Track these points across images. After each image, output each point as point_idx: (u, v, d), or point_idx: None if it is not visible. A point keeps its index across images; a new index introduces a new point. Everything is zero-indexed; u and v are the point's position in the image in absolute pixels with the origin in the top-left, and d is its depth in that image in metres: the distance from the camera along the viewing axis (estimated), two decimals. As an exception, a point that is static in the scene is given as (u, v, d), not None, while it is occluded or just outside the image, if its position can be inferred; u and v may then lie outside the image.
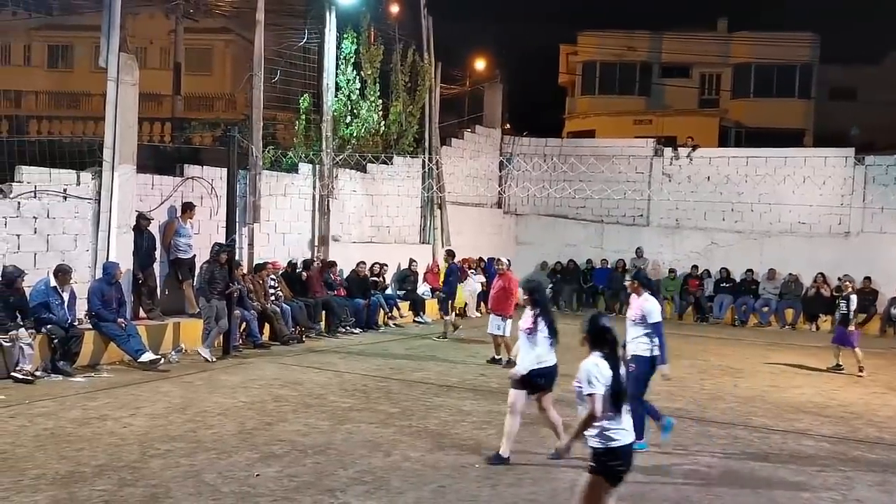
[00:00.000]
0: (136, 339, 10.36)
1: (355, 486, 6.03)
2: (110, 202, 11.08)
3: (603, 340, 4.49)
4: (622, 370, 4.55)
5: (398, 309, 15.88)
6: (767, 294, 18.46)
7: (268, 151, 14.89)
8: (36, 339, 9.39)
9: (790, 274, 18.50)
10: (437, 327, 14.35)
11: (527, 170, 21.32)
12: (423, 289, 17.22)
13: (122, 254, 11.12)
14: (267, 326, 12.76)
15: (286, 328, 12.83)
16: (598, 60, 32.80)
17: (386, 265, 16.10)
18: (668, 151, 21.10)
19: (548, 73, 36.74)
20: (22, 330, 9.20)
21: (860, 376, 11.94)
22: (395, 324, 15.51)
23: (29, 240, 10.33)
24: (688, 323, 18.58)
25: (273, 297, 13.05)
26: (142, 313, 11.64)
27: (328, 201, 15.30)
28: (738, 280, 18.85)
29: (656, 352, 7.25)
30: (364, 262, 15.29)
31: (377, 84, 17.28)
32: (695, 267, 19.32)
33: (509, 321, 11.30)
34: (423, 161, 18.08)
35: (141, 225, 11.50)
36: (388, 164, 17.18)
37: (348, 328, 14.27)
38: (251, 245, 13.56)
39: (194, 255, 12.38)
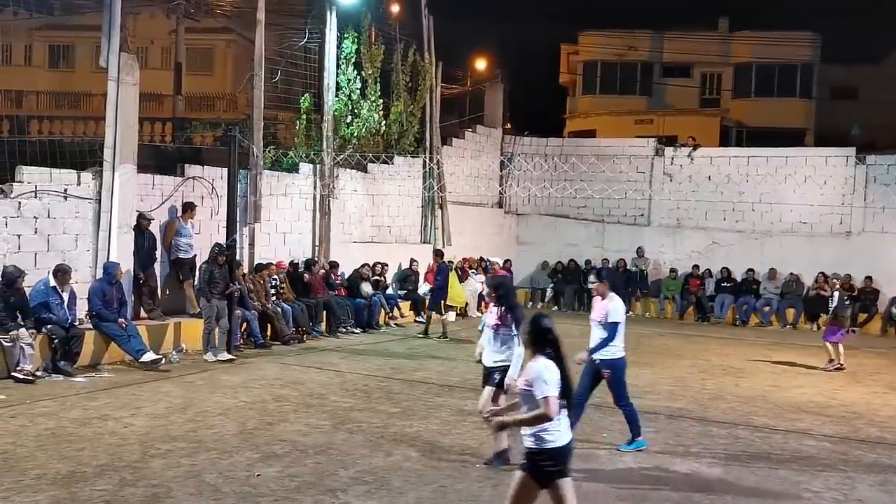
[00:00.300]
0: (136, 339, 10.36)
1: (356, 486, 6.02)
2: (111, 202, 11.08)
3: (546, 341, 4.41)
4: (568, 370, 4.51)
5: (399, 309, 15.88)
6: (769, 294, 18.44)
7: (268, 151, 14.89)
8: (36, 339, 9.39)
9: (791, 273, 18.49)
10: (437, 327, 14.34)
11: (528, 169, 21.32)
12: (424, 289, 17.20)
13: (123, 254, 11.12)
14: (268, 326, 12.75)
15: (287, 328, 12.83)
16: (599, 60, 32.77)
17: (387, 265, 16.10)
18: (669, 150, 21.09)
19: (549, 73, 36.74)
20: (22, 330, 9.20)
21: (827, 369, 12.13)
22: (395, 324, 15.51)
23: (30, 240, 10.33)
24: (689, 322, 18.58)
25: (274, 297, 13.06)
26: (142, 313, 11.64)
27: (329, 201, 15.30)
28: (739, 280, 18.84)
29: (621, 353, 7.18)
30: (368, 264, 15.31)
31: (378, 84, 17.27)
32: (696, 266, 19.31)
33: None
34: (424, 161, 18.08)
35: (141, 225, 11.50)
36: (388, 164, 17.18)
37: (349, 328, 14.27)
38: (252, 245, 13.55)
39: (195, 255, 12.38)
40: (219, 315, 11.20)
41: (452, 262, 17.03)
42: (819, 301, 17.63)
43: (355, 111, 16.76)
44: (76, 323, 10.03)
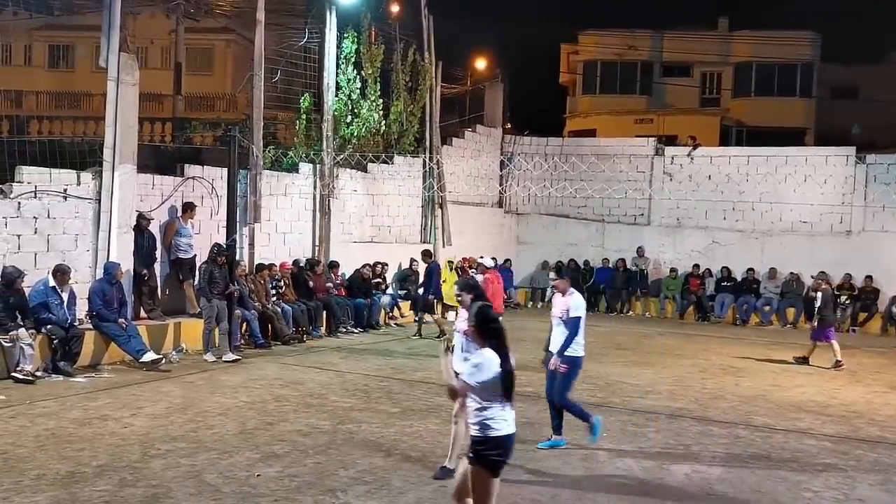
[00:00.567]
0: (137, 339, 10.36)
1: (356, 485, 6.02)
2: (111, 202, 11.08)
3: (491, 332, 4.46)
4: (512, 361, 4.50)
5: (399, 309, 15.88)
6: (769, 293, 18.44)
7: (268, 151, 14.89)
8: (36, 340, 9.38)
9: (791, 273, 18.48)
10: (433, 328, 14.34)
11: (528, 169, 21.32)
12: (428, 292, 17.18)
13: (123, 254, 11.12)
14: (268, 327, 12.75)
15: (287, 328, 12.83)
16: (599, 60, 32.79)
17: (387, 265, 16.09)
18: (669, 150, 21.10)
19: (549, 73, 36.76)
20: (22, 330, 9.20)
21: (796, 362, 12.50)
22: (395, 324, 15.52)
23: (29, 240, 10.33)
24: (689, 322, 18.58)
25: (274, 298, 13.06)
26: (142, 313, 11.64)
27: (329, 201, 15.30)
28: (739, 279, 18.84)
29: (581, 352, 7.16)
30: (368, 265, 15.31)
31: (378, 83, 17.27)
32: (696, 266, 19.30)
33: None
34: (424, 160, 18.07)
35: (141, 225, 11.50)
36: (388, 164, 17.18)
37: (349, 328, 14.27)
38: (252, 245, 13.55)
39: (195, 255, 12.37)
40: (219, 315, 11.20)
41: (452, 262, 17.05)
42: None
43: (355, 111, 16.76)
44: (76, 323, 10.03)
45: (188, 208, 12.36)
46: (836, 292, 17.81)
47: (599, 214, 21.28)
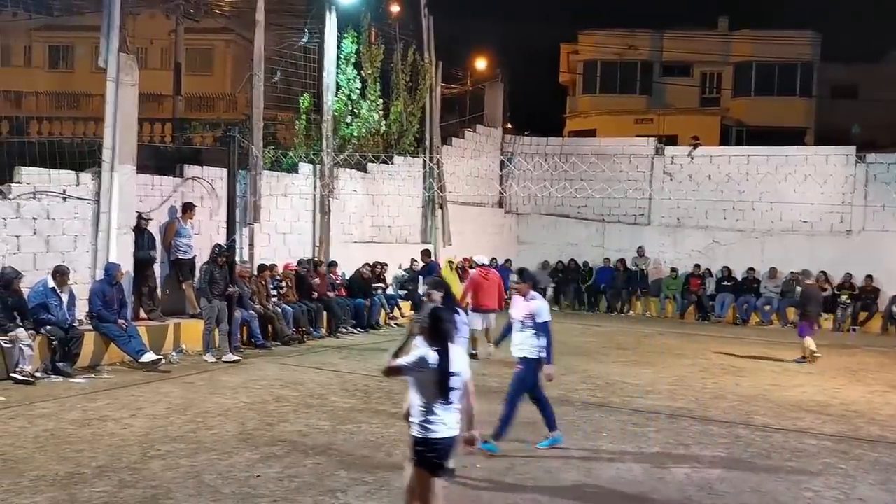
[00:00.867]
0: (136, 340, 10.35)
1: (356, 486, 6.01)
2: (110, 203, 11.07)
3: (438, 334, 4.52)
4: (462, 364, 4.55)
5: (399, 309, 15.87)
6: (769, 293, 18.42)
7: (268, 151, 14.88)
8: (35, 340, 9.38)
9: (792, 272, 18.43)
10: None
11: (528, 169, 21.31)
12: (424, 288, 17.19)
13: (123, 254, 11.11)
14: (268, 327, 12.74)
15: (287, 329, 12.82)
16: (599, 59, 32.76)
17: (386, 265, 16.07)
18: (669, 149, 21.07)
19: (549, 73, 36.75)
20: (21, 330, 9.19)
21: (812, 359, 12.59)
22: (396, 324, 15.50)
23: (29, 241, 10.32)
24: (689, 322, 18.57)
25: (274, 298, 13.05)
26: (142, 314, 11.63)
27: (329, 201, 15.29)
28: (739, 279, 18.83)
29: (543, 353, 7.11)
30: (368, 265, 15.30)
31: (378, 84, 17.26)
32: (697, 266, 19.28)
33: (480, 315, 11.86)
34: (424, 161, 18.06)
35: (140, 225, 11.50)
36: (388, 164, 17.17)
37: (349, 328, 14.27)
38: (252, 245, 13.54)
39: (195, 256, 12.36)
40: (219, 316, 11.19)
41: (453, 262, 17.01)
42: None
43: (355, 111, 16.74)
44: (75, 324, 10.02)
45: (187, 208, 12.35)
46: (836, 292, 17.87)
47: (600, 214, 21.26)
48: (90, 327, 10.29)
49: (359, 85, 16.77)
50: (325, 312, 13.93)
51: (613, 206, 20.90)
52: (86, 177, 11.02)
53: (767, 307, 18.29)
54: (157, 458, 6.51)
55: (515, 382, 7.18)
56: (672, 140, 23.48)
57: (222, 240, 12.40)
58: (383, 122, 17.43)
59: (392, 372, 4.68)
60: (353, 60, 16.65)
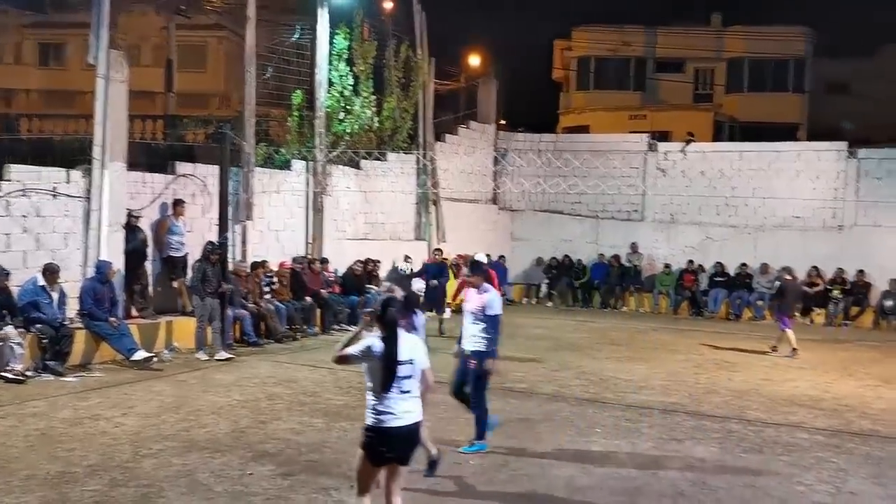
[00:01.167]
0: (128, 338, 10.30)
1: (350, 483, 5.98)
2: (101, 200, 11.01)
3: (385, 323, 4.59)
4: (416, 353, 4.61)
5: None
6: (761, 288, 18.48)
7: (261, 148, 14.81)
8: (26, 339, 9.33)
9: (784, 268, 18.49)
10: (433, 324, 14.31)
11: (521, 165, 21.29)
12: (417, 285, 17.13)
13: (113, 252, 11.05)
14: (261, 325, 12.70)
15: (280, 326, 12.78)
16: (592, 56, 32.80)
17: (379, 262, 16.02)
18: (663, 146, 21.06)
19: (542, 69, 36.77)
20: (10, 328, 9.14)
21: (770, 352, 13.03)
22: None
23: (19, 238, 10.25)
24: (683, 317, 18.61)
25: (268, 295, 13.01)
26: (134, 312, 11.57)
27: (322, 198, 15.24)
28: (732, 274, 18.87)
29: (494, 347, 6.96)
30: (360, 261, 15.26)
31: (370, 80, 17.19)
32: (690, 262, 19.31)
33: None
34: (418, 157, 18.02)
35: (130, 223, 11.44)
36: (381, 161, 17.12)
37: (343, 325, 14.22)
38: (244, 243, 13.50)
39: (187, 254, 12.31)
40: (212, 314, 11.15)
41: (448, 260, 17.00)
42: (812, 295, 17.72)
43: (348, 108, 16.69)
44: (66, 322, 9.96)
45: (178, 204, 12.28)
46: (828, 287, 17.93)
47: (593, 211, 21.25)
48: (81, 325, 10.23)
49: (351, 81, 16.71)
50: (318, 310, 13.89)
51: (607, 202, 20.91)
52: (76, 174, 10.95)
53: (760, 302, 18.34)
54: (149, 457, 6.48)
55: (472, 380, 6.99)
56: (665, 136, 23.48)
57: (214, 237, 12.33)
58: (376, 119, 17.38)
59: (341, 360, 4.79)
60: (345, 57, 16.59)
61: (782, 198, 19.15)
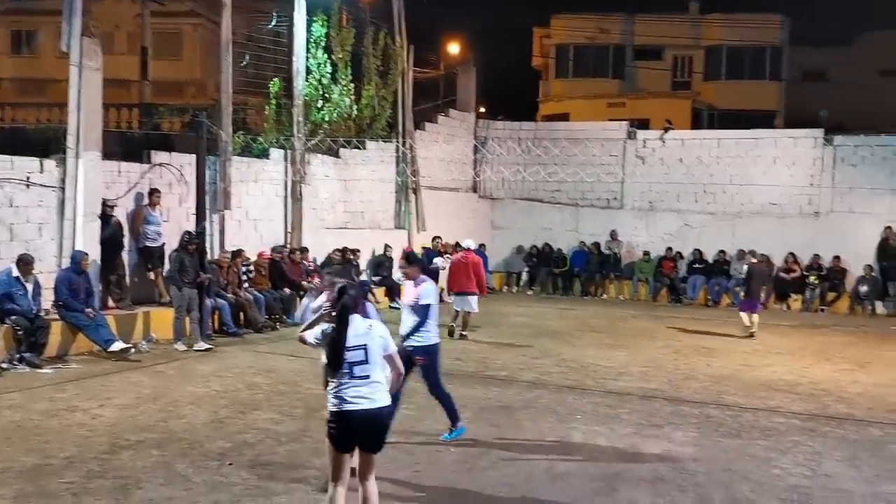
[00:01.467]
0: (105, 329, 10.19)
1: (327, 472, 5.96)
2: (75, 190, 10.84)
3: (338, 308, 4.62)
4: (371, 338, 4.63)
5: (373, 294, 15.77)
6: (739, 274, 18.65)
7: (238, 137, 14.66)
8: (0, 330, 9.19)
9: (761, 254, 18.68)
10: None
11: (501, 154, 21.30)
12: (397, 274, 17.11)
13: (89, 242, 10.90)
14: (240, 315, 12.62)
15: (260, 316, 12.71)
16: (571, 43, 32.80)
17: (359, 251, 15.96)
18: (641, 133, 21.15)
19: (522, 57, 36.72)
20: (-16, 321, 9.00)
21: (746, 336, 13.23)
22: (370, 309, 15.43)
23: (-9, 229, 10.09)
24: (662, 304, 18.75)
25: (246, 285, 12.91)
26: (110, 303, 11.44)
27: (300, 187, 15.13)
28: (710, 261, 19.03)
29: (436, 339, 6.87)
30: (338, 249, 15.16)
31: (349, 68, 17.06)
32: (669, 249, 19.45)
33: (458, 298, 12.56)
34: (397, 145, 17.94)
35: (105, 212, 11.28)
36: (361, 149, 17.02)
37: (322, 314, 14.17)
38: (222, 232, 13.37)
39: (163, 244, 12.17)
40: (190, 304, 11.05)
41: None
42: (789, 281, 17.94)
43: (326, 95, 16.55)
44: (41, 313, 9.82)
45: (154, 194, 12.13)
46: (804, 273, 18.16)
47: (573, 198, 21.31)
48: (57, 316, 10.09)
49: (329, 69, 16.57)
50: (298, 299, 13.80)
51: (587, 190, 20.98)
52: (50, 164, 10.77)
53: (738, 289, 18.49)
54: (127, 448, 6.42)
55: (428, 374, 6.90)
56: (644, 124, 23.57)
57: (192, 227, 12.21)
58: (355, 107, 17.26)
59: (302, 341, 4.85)
60: (323, 44, 16.44)
61: (759, 185, 19.32)
